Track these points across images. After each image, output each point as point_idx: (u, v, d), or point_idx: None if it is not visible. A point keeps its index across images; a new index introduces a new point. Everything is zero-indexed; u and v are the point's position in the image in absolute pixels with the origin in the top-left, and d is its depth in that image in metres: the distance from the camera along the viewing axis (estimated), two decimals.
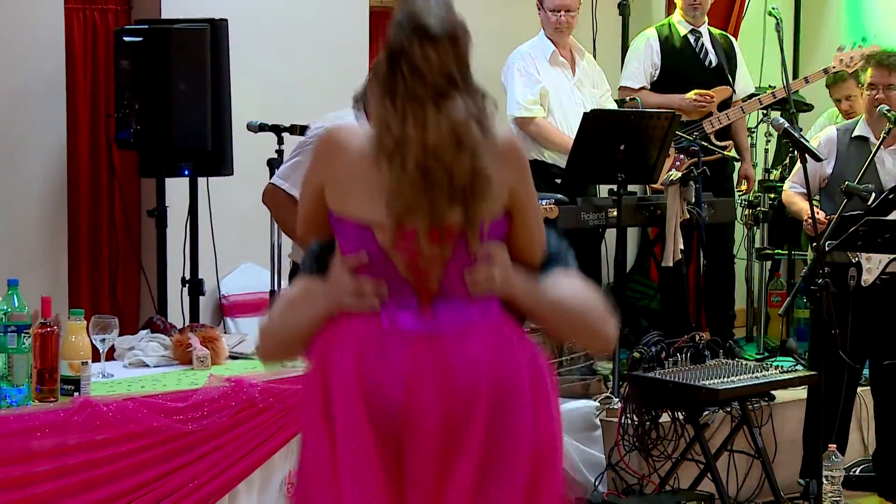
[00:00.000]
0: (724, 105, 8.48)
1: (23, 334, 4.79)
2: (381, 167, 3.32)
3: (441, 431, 3.34)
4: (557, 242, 3.77)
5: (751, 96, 8.65)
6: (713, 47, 8.63)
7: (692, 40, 8.60)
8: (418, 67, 3.39)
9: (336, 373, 3.38)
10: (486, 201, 3.38)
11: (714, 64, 8.59)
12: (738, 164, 8.75)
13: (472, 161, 3.33)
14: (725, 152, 8.41)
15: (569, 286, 3.56)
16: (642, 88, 8.51)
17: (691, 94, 8.38)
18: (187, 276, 7.35)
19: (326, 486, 3.38)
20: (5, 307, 4.82)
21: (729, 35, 9.04)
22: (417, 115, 3.33)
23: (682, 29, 8.59)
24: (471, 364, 3.36)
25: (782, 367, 7.42)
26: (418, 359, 3.35)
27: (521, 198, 3.51)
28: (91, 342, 5.13)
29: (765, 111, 9.09)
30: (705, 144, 8.16)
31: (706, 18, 8.67)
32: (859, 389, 7.68)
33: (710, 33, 8.67)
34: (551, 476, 3.54)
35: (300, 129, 6.83)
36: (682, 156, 8.04)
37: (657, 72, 8.57)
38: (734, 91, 8.58)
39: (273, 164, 6.83)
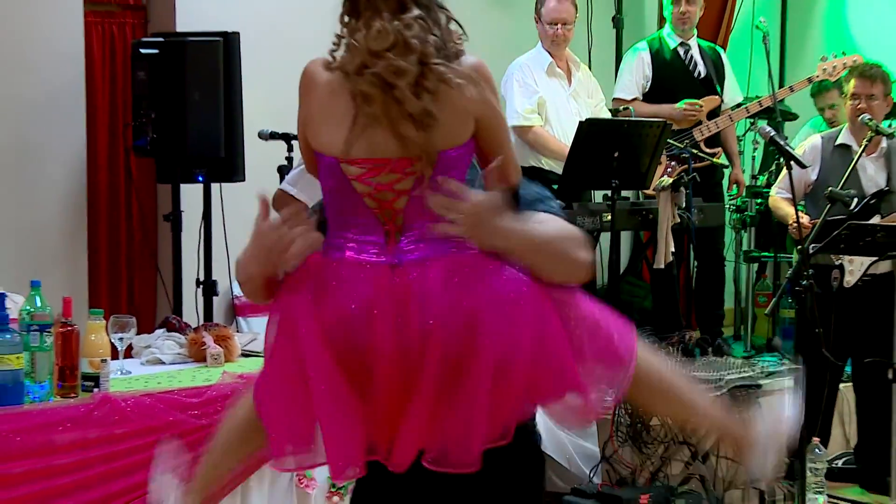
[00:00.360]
0: (714, 114, 8.48)
1: (45, 333, 4.79)
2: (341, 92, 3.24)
3: (399, 362, 3.18)
4: (541, 189, 3.64)
5: (738, 105, 8.65)
6: (702, 59, 8.63)
7: (682, 53, 8.60)
8: None
9: (297, 313, 3.22)
10: (443, 126, 3.21)
11: (703, 75, 8.59)
12: (727, 171, 8.75)
13: (424, 72, 3.19)
14: (714, 159, 8.41)
15: (544, 221, 3.38)
16: (635, 99, 8.52)
17: (682, 104, 8.39)
18: (201, 278, 7.36)
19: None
20: (28, 307, 4.84)
21: (717, 47, 9.04)
22: (371, 25, 3.21)
23: (672, 42, 8.60)
24: (423, 296, 3.17)
25: (767, 363, 7.44)
26: (378, 289, 3.18)
27: (490, 122, 3.33)
28: (110, 341, 5.15)
29: (752, 120, 9.10)
30: (695, 152, 8.16)
31: (695, 31, 8.67)
32: (841, 386, 7.70)
33: (699, 46, 8.67)
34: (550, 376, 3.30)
35: None
36: (673, 163, 8.04)
37: (649, 83, 8.58)
38: (723, 100, 8.58)
39: (283, 171, 6.86)
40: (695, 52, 8.63)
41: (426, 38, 3.23)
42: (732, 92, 8.77)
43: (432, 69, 3.22)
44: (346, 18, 3.31)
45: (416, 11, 3.26)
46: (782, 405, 3.65)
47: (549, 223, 3.37)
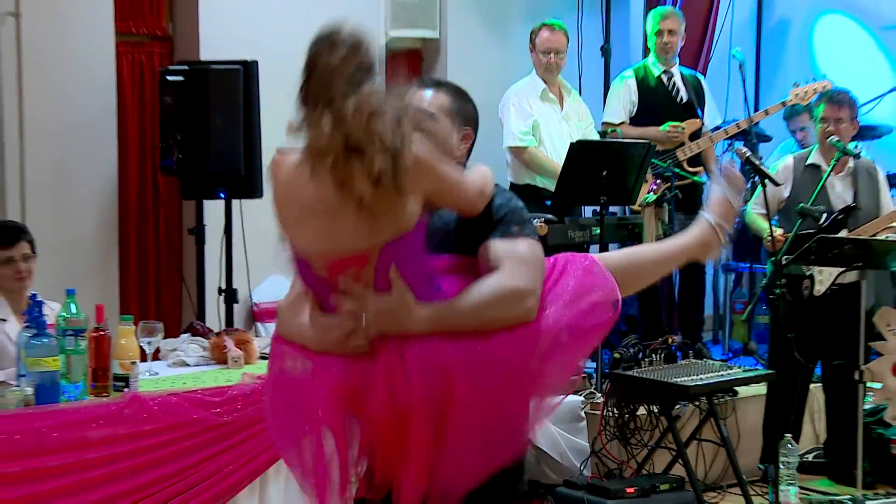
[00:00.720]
0: (695, 135, 8.48)
1: (79, 337, 4.81)
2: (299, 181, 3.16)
3: (392, 426, 3.19)
4: (503, 203, 3.45)
5: (718, 128, 8.66)
6: (684, 85, 8.64)
7: (665, 80, 8.61)
8: (323, 72, 3.21)
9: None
10: (389, 219, 3.10)
11: (685, 100, 8.60)
12: (706, 188, 8.77)
13: (370, 166, 3.03)
14: (695, 177, 8.42)
15: (466, 295, 3.22)
16: (623, 122, 8.53)
17: (665, 127, 8.40)
18: (223, 287, 7.37)
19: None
20: (64, 314, 4.85)
21: (698, 74, 9.05)
22: (318, 122, 3.10)
23: (656, 70, 8.61)
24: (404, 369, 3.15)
25: (744, 366, 7.44)
26: (350, 377, 3.18)
27: (438, 195, 3.22)
28: (139, 344, 5.17)
29: (730, 141, 9.10)
30: (678, 171, 8.17)
31: (677, 60, 8.68)
32: (812, 386, 7.69)
33: (681, 73, 8.68)
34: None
35: None
36: (657, 180, 8.05)
37: (635, 108, 8.58)
38: (703, 123, 8.58)
39: None
40: (677, 79, 8.63)
41: (371, 130, 3.06)
42: (712, 115, 8.78)
43: (375, 162, 3.05)
44: (302, 104, 3.20)
45: (355, 100, 3.10)
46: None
47: (471, 294, 3.24)
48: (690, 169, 8.45)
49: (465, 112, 3.61)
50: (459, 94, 3.62)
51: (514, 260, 3.33)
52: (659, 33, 8.56)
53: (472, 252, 3.36)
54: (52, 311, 5.01)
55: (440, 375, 3.16)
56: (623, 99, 8.58)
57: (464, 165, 3.55)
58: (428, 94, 3.55)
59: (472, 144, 3.64)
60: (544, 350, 3.28)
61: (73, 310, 4.86)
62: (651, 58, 8.65)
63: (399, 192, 3.08)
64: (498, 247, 3.35)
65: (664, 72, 8.60)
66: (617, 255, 3.85)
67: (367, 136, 3.04)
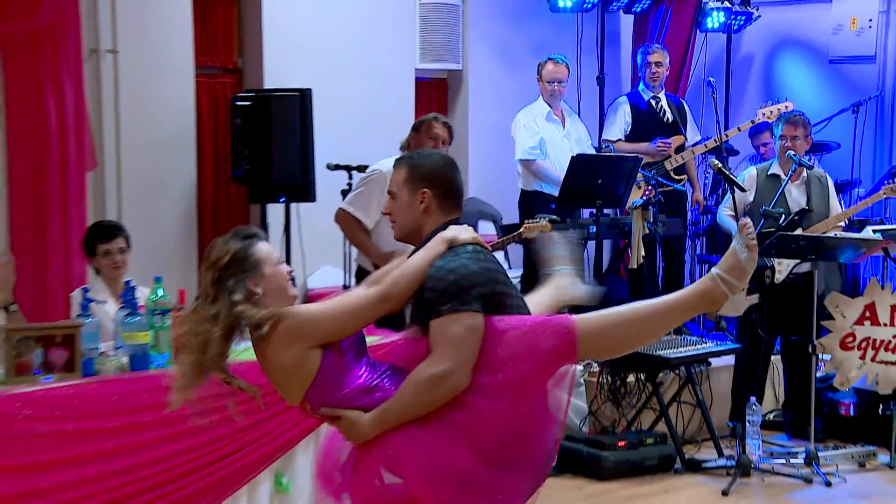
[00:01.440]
0: (679, 149, 8.48)
1: (165, 316, 4.84)
2: None
3: None
4: (435, 283, 3.30)
5: (697, 143, 8.65)
6: (669, 108, 8.63)
7: (654, 104, 8.60)
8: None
9: None
10: (296, 382, 3.27)
11: (670, 120, 8.58)
12: (689, 194, 8.75)
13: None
14: (679, 185, 8.44)
15: (397, 396, 3.24)
16: (619, 140, 8.54)
17: (655, 143, 8.42)
18: None
19: None
20: (153, 297, 4.88)
21: (681, 98, 9.05)
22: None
23: (646, 95, 8.60)
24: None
25: (716, 341, 7.45)
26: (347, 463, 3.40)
27: (326, 337, 3.26)
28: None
29: (705, 154, 9.10)
30: (662, 180, 8.18)
31: (663, 87, 8.69)
32: (773, 358, 7.69)
33: (666, 98, 8.67)
34: None
35: (362, 169, 6.91)
36: (649, 187, 8.08)
37: (629, 127, 8.57)
38: (686, 139, 8.58)
39: (344, 193, 6.89)
40: (663, 103, 8.63)
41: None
42: (693, 133, 8.77)
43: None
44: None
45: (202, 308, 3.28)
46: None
47: (402, 390, 3.25)
48: (676, 177, 8.46)
49: (419, 175, 3.51)
50: (413, 163, 3.56)
51: (439, 344, 3.26)
52: (647, 65, 8.56)
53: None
54: (143, 294, 5.03)
55: (395, 462, 3.23)
56: (619, 120, 8.59)
57: (439, 216, 3.50)
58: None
59: (440, 193, 3.51)
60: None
61: (160, 293, 4.88)
62: (641, 85, 8.66)
63: (265, 365, 3.30)
64: (432, 329, 3.29)
65: (653, 97, 8.60)
66: (601, 316, 3.36)
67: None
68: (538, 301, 3.61)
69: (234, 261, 3.29)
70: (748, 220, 3.37)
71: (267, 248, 3.36)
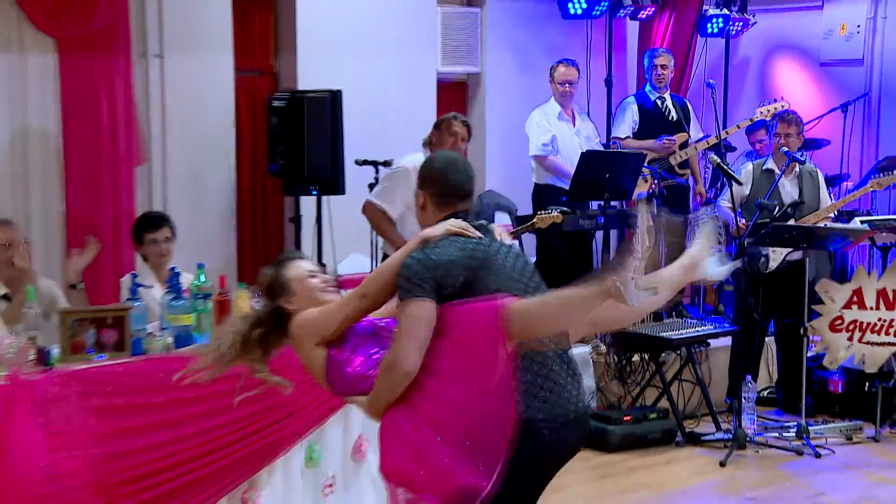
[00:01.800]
0: (683, 146, 8.45)
1: (207, 300, 4.86)
2: None
3: None
4: (399, 273, 3.34)
5: (699, 140, 8.62)
6: (674, 107, 8.59)
7: (659, 103, 8.56)
8: None
9: None
10: (313, 370, 3.49)
11: (675, 119, 8.55)
12: (692, 187, 8.72)
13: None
14: (683, 179, 8.43)
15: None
16: (627, 137, 8.51)
17: (660, 140, 8.39)
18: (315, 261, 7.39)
19: None
20: (196, 282, 4.90)
21: (685, 99, 9.00)
22: None
23: (653, 96, 8.56)
24: None
25: (715, 324, 7.43)
26: None
27: (328, 333, 3.46)
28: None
29: (705, 151, 9.06)
30: (665, 175, 8.16)
31: (668, 88, 8.66)
32: (767, 339, 7.68)
33: (671, 97, 8.64)
34: None
35: (388, 164, 6.91)
36: (655, 180, 8.07)
37: (637, 125, 8.54)
38: (689, 136, 8.54)
39: (371, 187, 6.89)
40: (668, 103, 8.59)
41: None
42: (696, 130, 8.72)
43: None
44: None
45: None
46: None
47: (376, 380, 3.33)
48: (680, 171, 8.44)
49: (420, 178, 3.65)
50: (421, 168, 3.69)
51: (398, 333, 3.30)
52: (654, 68, 8.53)
53: None
54: (186, 280, 5.05)
55: (380, 441, 3.34)
56: (627, 119, 8.56)
57: (436, 212, 3.57)
58: None
59: (433, 192, 3.58)
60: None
61: (203, 279, 4.91)
62: (647, 87, 8.63)
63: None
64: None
65: (658, 97, 8.57)
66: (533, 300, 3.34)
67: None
68: (667, 276, 3.53)
69: (268, 288, 3.61)
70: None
71: (298, 268, 3.62)
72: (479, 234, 3.47)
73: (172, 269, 5.08)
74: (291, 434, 4.93)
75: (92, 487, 4.28)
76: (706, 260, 3.47)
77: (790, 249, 7.18)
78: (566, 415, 3.40)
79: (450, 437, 3.21)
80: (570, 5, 8.99)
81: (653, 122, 8.52)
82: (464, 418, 3.23)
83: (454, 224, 3.46)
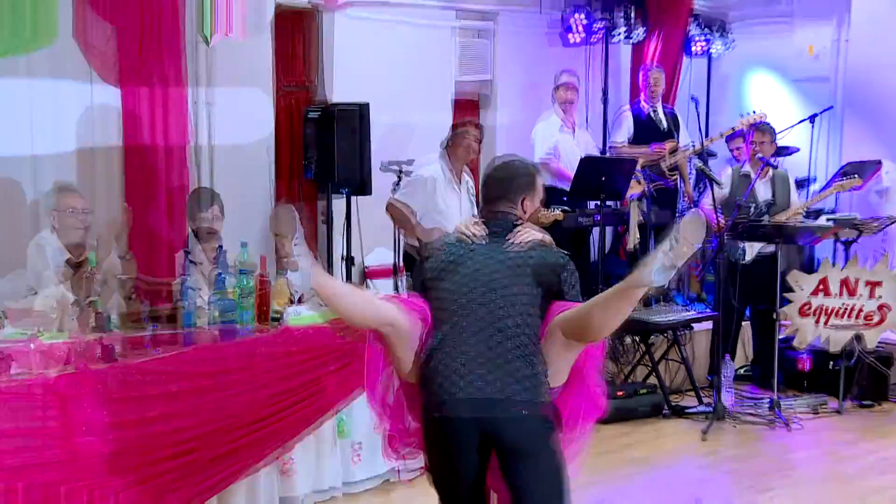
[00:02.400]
0: (673, 152, 8.42)
1: (250, 275, 4.79)
2: None
3: None
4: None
5: (686, 147, 8.58)
6: (665, 118, 8.57)
7: (652, 114, 8.53)
8: None
9: None
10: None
11: (666, 128, 8.52)
12: (680, 189, 8.68)
13: None
14: (670, 181, 8.40)
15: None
16: (623, 144, 8.48)
17: (652, 148, 8.37)
18: (345, 255, 7.39)
19: None
20: (240, 259, 4.86)
21: (674, 110, 8.97)
22: None
23: (646, 107, 8.54)
24: None
25: (698, 309, 7.41)
26: None
27: None
28: (289, 291, 5.18)
29: (690, 157, 9.02)
30: (654, 178, 8.13)
31: (660, 99, 8.62)
32: (743, 323, 7.66)
33: (662, 109, 8.62)
34: None
35: (410, 163, 6.92)
36: (647, 182, 8.04)
37: (631, 133, 8.52)
38: (678, 143, 8.51)
39: (394, 189, 6.88)
40: (660, 113, 8.56)
41: None
42: (684, 138, 8.69)
43: None
44: None
45: None
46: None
47: None
48: (670, 174, 8.41)
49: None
50: None
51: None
52: (647, 83, 8.50)
53: None
54: (231, 259, 5.01)
55: None
56: (623, 127, 8.54)
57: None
58: None
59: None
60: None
61: (245, 257, 4.87)
62: (640, 98, 8.60)
63: None
64: None
65: (651, 109, 8.54)
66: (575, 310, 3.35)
67: None
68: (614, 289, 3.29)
69: None
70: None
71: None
72: (475, 235, 3.45)
73: (219, 247, 5.05)
74: (321, 409, 4.95)
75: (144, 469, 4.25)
76: (650, 266, 3.12)
77: (764, 244, 7.16)
78: (453, 396, 3.27)
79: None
80: (569, 36, 9.00)
81: (645, 131, 8.48)
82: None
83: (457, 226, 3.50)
